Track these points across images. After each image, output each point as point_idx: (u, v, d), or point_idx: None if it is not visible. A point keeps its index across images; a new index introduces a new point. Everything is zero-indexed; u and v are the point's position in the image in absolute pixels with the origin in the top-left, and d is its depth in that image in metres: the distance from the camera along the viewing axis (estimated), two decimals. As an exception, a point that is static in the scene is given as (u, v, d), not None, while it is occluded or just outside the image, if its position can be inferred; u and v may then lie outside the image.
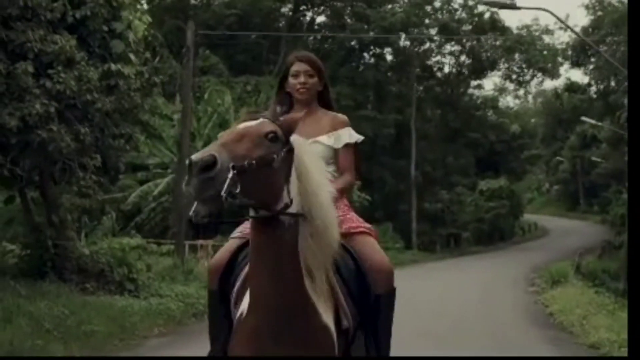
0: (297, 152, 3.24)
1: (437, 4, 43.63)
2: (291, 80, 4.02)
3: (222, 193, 2.85)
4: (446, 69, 48.28)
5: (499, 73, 49.49)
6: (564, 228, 56.32)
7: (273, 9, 40.95)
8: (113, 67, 12.59)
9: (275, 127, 3.16)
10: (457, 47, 46.52)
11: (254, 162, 2.98)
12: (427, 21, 43.89)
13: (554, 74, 48.23)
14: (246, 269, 3.45)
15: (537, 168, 74.32)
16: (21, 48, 11.28)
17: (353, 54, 41.99)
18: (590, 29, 40.83)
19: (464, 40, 45.59)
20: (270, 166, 3.07)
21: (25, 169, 14.49)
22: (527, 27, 49.23)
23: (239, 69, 37.85)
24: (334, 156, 3.94)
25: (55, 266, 14.81)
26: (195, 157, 2.87)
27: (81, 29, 12.67)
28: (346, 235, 3.66)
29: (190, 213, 2.93)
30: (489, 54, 46.60)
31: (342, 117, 4.03)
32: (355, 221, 3.94)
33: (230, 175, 2.87)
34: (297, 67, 4.02)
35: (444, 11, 44.54)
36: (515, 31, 48.02)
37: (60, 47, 11.49)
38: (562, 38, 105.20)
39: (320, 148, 3.82)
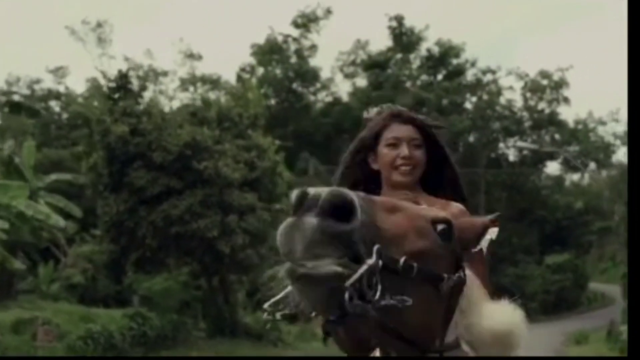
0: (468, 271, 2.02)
1: (499, 108, 51.04)
2: (385, 150, 2.61)
3: (351, 282, 1.51)
4: (510, 158, 55.41)
5: (559, 161, 56.23)
6: (630, 298, 60.26)
7: (360, 117, 49.16)
8: (277, 206, 20.69)
9: (447, 217, 1.92)
10: (520, 143, 53.67)
11: (415, 264, 1.66)
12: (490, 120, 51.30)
13: (607, 164, 54.64)
14: None
15: (613, 238, 78.66)
16: (229, 205, 19.46)
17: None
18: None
19: (525, 135, 52.81)
20: (434, 285, 1.77)
21: (208, 266, 22.87)
22: (582, 121, 55.90)
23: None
24: None
25: (230, 330, 22.97)
26: (316, 190, 1.56)
27: (255, 184, 20.84)
28: None
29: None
30: (547, 147, 53.55)
31: (462, 207, 2.52)
32: None
33: (373, 260, 1.53)
34: (397, 131, 2.59)
35: (506, 111, 52.00)
36: (571, 125, 54.81)
37: (249, 202, 19.67)
38: (616, 128, 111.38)
39: None
